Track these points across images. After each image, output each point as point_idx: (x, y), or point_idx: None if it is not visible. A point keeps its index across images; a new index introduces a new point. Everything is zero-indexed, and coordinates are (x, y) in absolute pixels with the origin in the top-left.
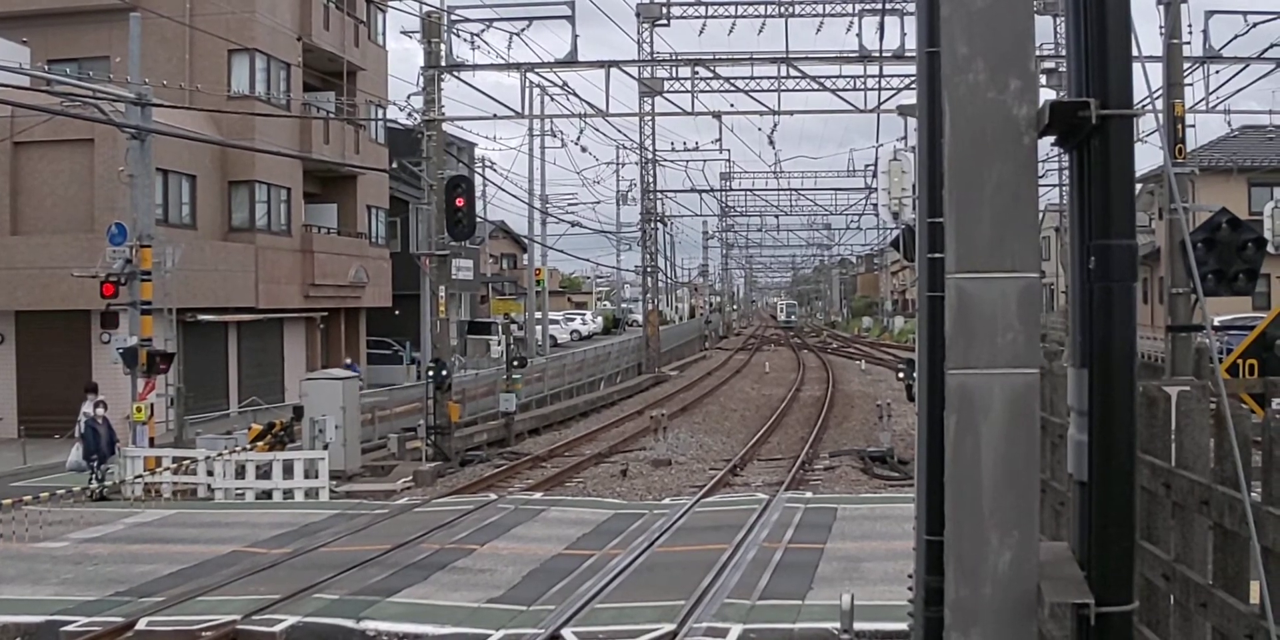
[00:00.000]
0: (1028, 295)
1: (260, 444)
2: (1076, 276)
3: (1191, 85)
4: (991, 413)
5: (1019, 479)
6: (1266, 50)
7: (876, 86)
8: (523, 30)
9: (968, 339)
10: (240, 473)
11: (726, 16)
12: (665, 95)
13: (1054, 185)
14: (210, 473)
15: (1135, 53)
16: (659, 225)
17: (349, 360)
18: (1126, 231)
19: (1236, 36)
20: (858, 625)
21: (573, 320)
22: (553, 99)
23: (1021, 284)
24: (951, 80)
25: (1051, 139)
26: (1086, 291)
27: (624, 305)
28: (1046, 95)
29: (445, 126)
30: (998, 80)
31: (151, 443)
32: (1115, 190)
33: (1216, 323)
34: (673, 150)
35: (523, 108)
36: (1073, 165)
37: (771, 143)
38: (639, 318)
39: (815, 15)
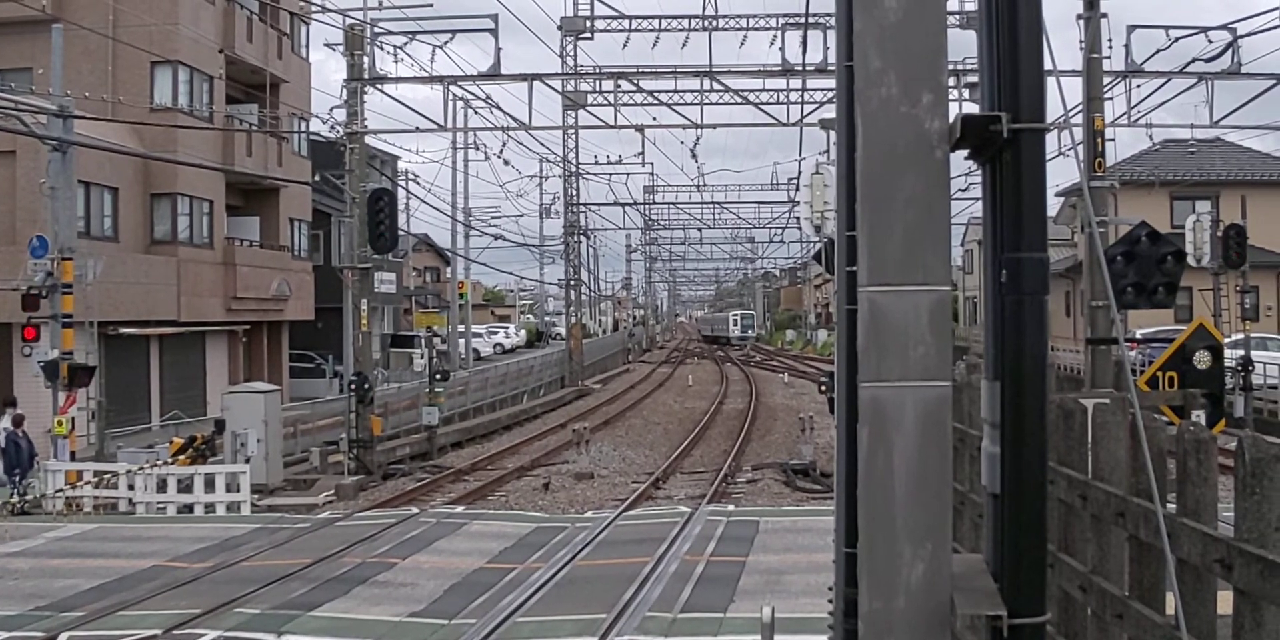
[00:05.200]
0: (939, 308)
1: (182, 458)
2: (989, 289)
3: (1112, 99)
4: (904, 425)
5: (931, 491)
6: (1188, 65)
7: (799, 100)
8: (446, 43)
9: (879, 352)
10: (162, 487)
11: (650, 30)
12: (588, 108)
13: (978, 199)
14: (132, 487)
15: (1050, 67)
16: (582, 238)
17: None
18: (1038, 245)
19: (1159, 51)
20: (779, 637)
21: (496, 333)
22: (476, 112)
23: (933, 297)
24: (864, 94)
25: (966, 153)
26: (998, 304)
27: (547, 318)
28: (971, 109)
29: (368, 139)
30: (910, 94)
31: (73, 456)
32: (1027, 204)
33: (1139, 336)
34: (596, 163)
35: (446, 121)
36: (985, 179)
37: (694, 156)
38: (562, 331)
39: (739, 29)
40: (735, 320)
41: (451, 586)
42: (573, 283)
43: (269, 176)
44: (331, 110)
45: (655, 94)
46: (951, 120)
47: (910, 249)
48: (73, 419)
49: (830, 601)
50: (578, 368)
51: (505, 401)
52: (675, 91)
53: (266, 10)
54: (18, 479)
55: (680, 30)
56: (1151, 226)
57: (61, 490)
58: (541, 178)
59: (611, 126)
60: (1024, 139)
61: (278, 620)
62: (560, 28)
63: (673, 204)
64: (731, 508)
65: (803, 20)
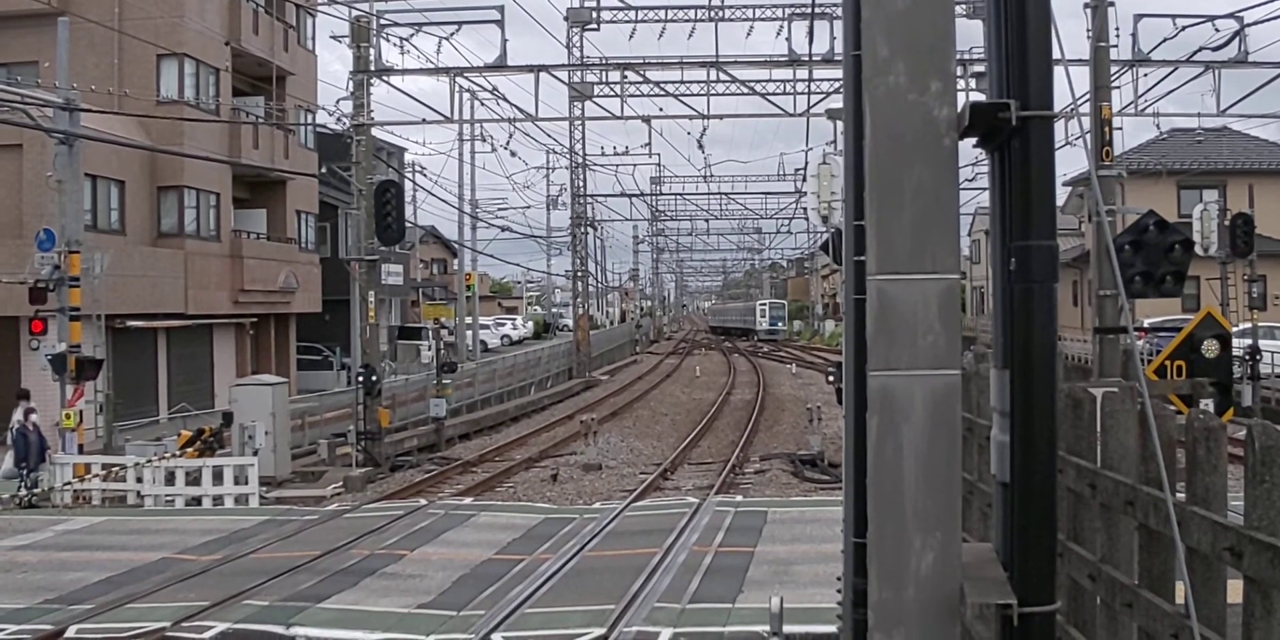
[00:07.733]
0: (948, 297)
1: (190, 450)
2: (998, 278)
3: (1119, 88)
4: (913, 414)
5: (941, 480)
6: (1195, 54)
7: (806, 90)
8: (452, 35)
9: (889, 340)
10: (170, 479)
11: (656, 20)
12: (595, 100)
13: (985, 188)
14: (140, 479)
15: (1058, 55)
16: (589, 229)
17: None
18: (1047, 233)
19: (1165, 40)
20: (788, 628)
21: (503, 325)
22: (482, 104)
23: (942, 285)
24: (872, 82)
25: (974, 141)
26: (1007, 292)
27: (555, 310)
28: (979, 98)
29: (375, 131)
30: (918, 82)
31: (81, 449)
32: (1035, 192)
33: (1147, 324)
34: (603, 154)
35: (452, 112)
36: (994, 167)
37: (701, 147)
38: (570, 322)
39: (745, 19)
40: (763, 311)
41: (460, 578)
42: (580, 274)
43: (275, 169)
44: (338, 102)
45: (662, 85)
46: (960, 108)
47: (919, 237)
48: (80, 412)
49: (839, 591)
50: (585, 359)
51: (513, 393)
52: (682, 82)
53: (272, 2)
54: (25, 471)
55: (686, 21)
56: (1159, 216)
57: (69, 483)
58: (548, 169)
59: (618, 118)
60: (1032, 126)
61: (286, 612)
62: (566, 19)
63: (680, 195)
64: (739, 498)
65: (809, 10)
